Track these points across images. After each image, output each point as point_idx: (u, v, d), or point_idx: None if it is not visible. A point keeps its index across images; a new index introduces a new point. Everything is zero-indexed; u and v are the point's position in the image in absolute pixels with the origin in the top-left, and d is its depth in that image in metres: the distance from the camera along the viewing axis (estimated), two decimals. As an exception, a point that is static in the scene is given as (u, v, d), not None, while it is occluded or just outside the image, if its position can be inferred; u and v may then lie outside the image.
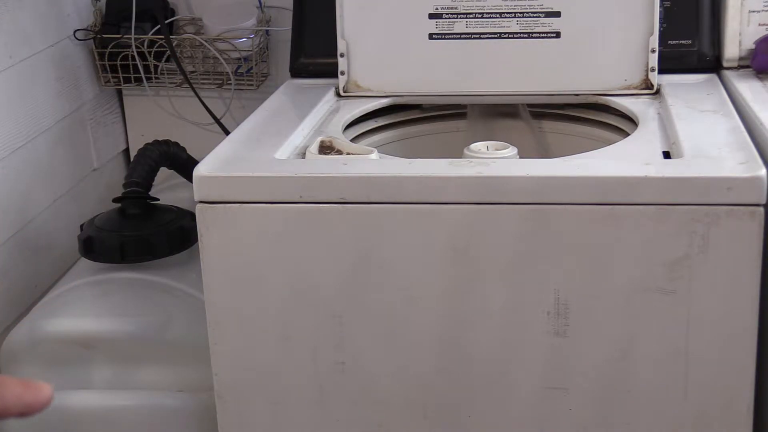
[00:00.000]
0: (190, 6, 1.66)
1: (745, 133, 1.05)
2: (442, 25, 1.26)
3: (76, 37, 1.59)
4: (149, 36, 1.59)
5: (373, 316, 1.01)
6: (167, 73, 1.64)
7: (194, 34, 1.63)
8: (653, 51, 1.22)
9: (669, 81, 1.24)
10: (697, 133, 1.05)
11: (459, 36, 1.26)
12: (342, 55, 1.27)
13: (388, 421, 1.05)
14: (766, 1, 1.29)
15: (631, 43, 1.23)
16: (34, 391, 0.56)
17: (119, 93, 1.74)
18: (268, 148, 1.07)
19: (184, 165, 1.43)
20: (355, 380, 1.04)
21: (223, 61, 1.59)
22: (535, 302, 0.98)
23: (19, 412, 0.55)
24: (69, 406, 1.22)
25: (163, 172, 1.43)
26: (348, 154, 1.06)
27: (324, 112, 1.23)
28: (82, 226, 1.35)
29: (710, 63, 1.30)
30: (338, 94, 1.29)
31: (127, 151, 1.76)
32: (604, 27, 1.23)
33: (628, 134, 1.14)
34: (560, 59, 1.24)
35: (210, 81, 1.63)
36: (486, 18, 1.25)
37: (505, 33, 1.25)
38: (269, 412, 1.06)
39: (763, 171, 0.93)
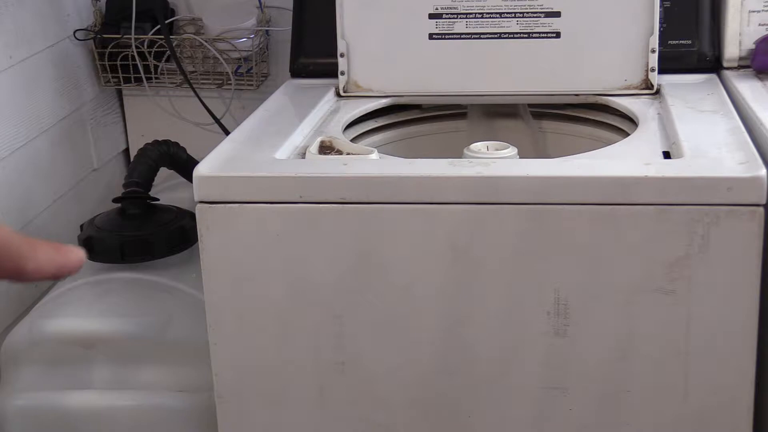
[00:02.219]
0: (190, 6, 1.66)
1: (745, 133, 1.05)
2: (442, 25, 1.26)
3: (76, 37, 1.59)
4: (149, 36, 1.59)
5: (373, 316, 1.01)
6: (167, 73, 1.64)
7: (194, 34, 1.63)
8: (653, 51, 1.22)
9: (669, 81, 1.24)
10: (697, 133, 1.05)
11: (459, 36, 1.26)
12: (342, 55, 1.27)
13: (388, 420, 1.05)
14: (766, 1, 1.29)
15: (631, 43, 1.23)
16: (66, 253, 0.58)
17: (119, 93, 1.74)
18: (268, 148, 1.07)
19: (184, 165, 1.43)
20: (355, 380, 1.04)
21: (223, 61, 1.59)
22: (535, 302, 0.98)
23: (53, 274, 0.57)
24: (69, 406, 1.22)
25: (163, 172, 1.43)
26: (348, 154, 1.06)
27: (324, 112, 1.23)
28: (82, 226, 1.35)
29: (710, 63, 1.30)
30: (338, 94, 1.29)
31: (127, 151, 1.76)
32: (604, 27, 1.23)
33: (628, 134, 1.14)
34: (560, 59, 1.24)
35: (210, 81, 1.63)
36: (486, 18, 1.25)
37: (505, 33, 1.25)
38: (269, 412, 1.06)
39: (763, 171, 0.93)
